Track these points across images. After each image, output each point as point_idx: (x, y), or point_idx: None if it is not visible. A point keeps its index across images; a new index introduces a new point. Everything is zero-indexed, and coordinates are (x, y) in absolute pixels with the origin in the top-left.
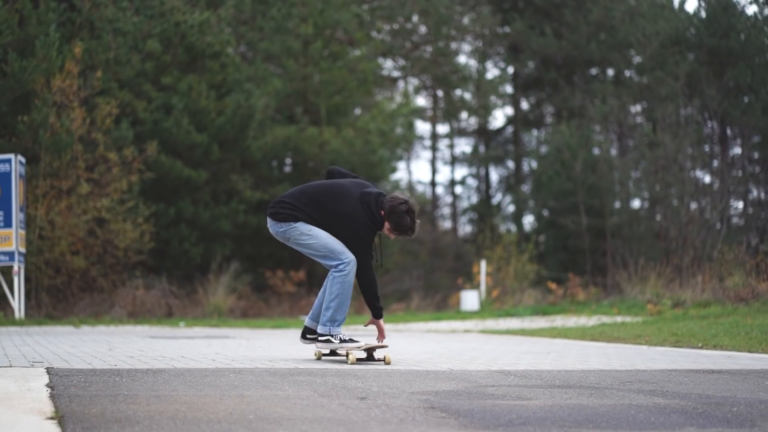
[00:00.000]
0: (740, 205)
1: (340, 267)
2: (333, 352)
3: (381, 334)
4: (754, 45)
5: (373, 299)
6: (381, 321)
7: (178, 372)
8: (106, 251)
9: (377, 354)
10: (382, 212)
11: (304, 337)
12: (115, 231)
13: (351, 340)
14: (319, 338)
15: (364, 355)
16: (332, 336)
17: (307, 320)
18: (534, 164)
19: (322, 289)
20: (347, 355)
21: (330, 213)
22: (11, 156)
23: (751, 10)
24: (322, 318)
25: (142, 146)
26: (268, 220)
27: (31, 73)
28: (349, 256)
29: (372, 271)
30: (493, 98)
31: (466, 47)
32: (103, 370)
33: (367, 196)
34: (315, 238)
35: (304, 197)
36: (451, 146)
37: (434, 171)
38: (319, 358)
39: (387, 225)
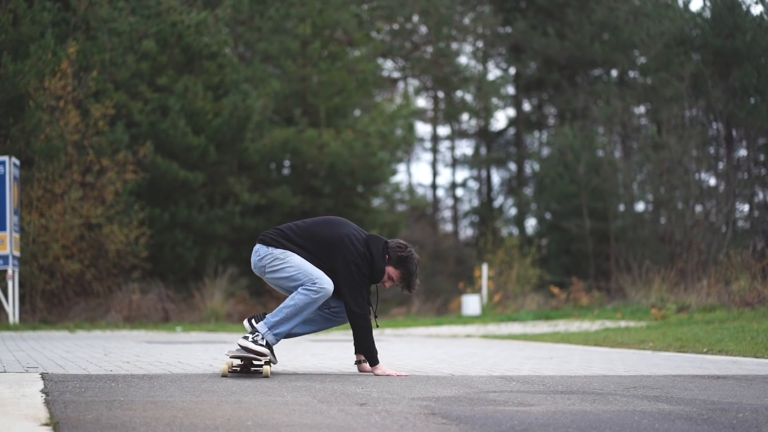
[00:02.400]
0: (746, 208)
1: (314, 286)
2: (246, 365)
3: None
4: (759, 45)
5: (369, 345)
6: (377, 368)
7: (174, 377)
8: (99, 255)
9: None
10: (386, 257)
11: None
12: (105, 234)
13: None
14: (248, 335)
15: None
16: (264, 342)
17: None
18: (536, 166)
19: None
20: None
21: (322, 239)
22: (5, 158)
23: (757, 9)
24: (268, 316)
25: (137, 148)
26: (256, 247)
27: (24, 76)
28: (327, 281)
29: (368, 317)
30: (494, 100)
31: (468, 48)
32: (99, 376)
33: (374, 238)
34: (289, 262)
35: (298, 225)
36: (452, 148)
37: (435, 173)
38: (224, 375)
39: (391, 274)
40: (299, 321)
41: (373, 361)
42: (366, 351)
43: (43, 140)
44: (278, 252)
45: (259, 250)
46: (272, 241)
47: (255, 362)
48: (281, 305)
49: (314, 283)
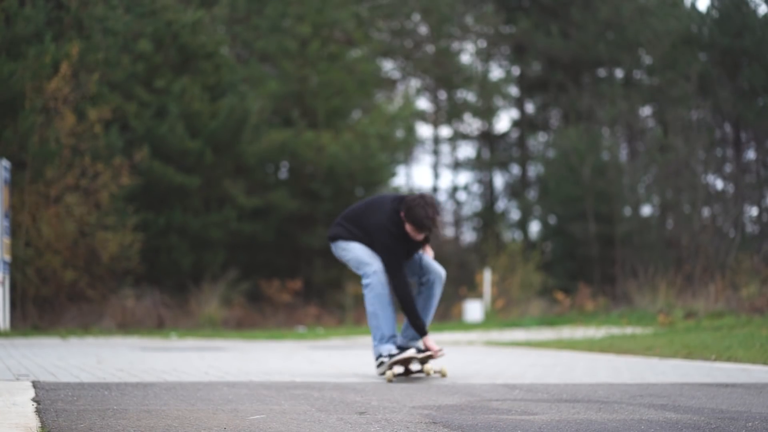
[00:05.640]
0: (755, 211)
1: (364, 281)
2: (407, 370)
3: (432, 351)
4: None
5: (411, 315)
6: (427, 338)
7: (169, 386)
8: (93, 261)
9: (426, 366)
10: (402, 214)
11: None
12: (99, 241)
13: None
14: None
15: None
16: (382, 356)
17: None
18: (540, 169)
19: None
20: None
21: (363, 227)
22: None
23: (764, 9)
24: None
25: (132, 151)
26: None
27: (19, 78)
28: (373, 267)
29: (404, 285)
30: (497, 100)
31: (470, 47)
32: (92, 384)
33: (395, 203)
34: (350, 251)
35: (348, 213)
36: (454, 150)
37: (436, 176)
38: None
39: (408, 226)
40: (387, 312)
41: (421, 332)
42: (410, 322)
43: (38, 143)
44: (342, 243)
45: (332, 244)
46: (333, 236)
47: (411, 367)
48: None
49: (364, 275)
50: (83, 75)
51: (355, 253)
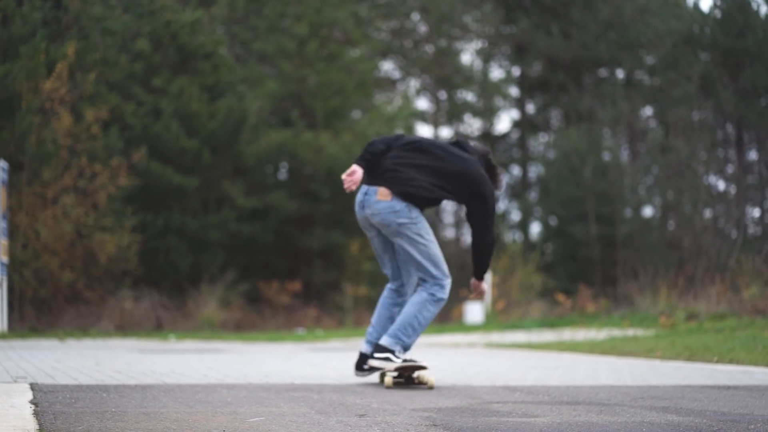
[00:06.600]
0: (757, 212)
1: (444, 285)
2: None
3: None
4: None
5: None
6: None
7: (168, 388)
8: (91, 262)
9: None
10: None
11: (359, 368)
12: (97, 243)
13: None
14: (376, 354)
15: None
16: (395, 353)
17: (364, 345)
18: (541, 170)
19: (382, 305)
20: (383, 377)
21: (449, 175)
22: None
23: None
24: (399, 334)
25: (130, 152)
26: (380, 189)
27: (15, 78)
28: (449, 282)
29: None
30: (497, 101)
31: (470, 47)
32: (90, 386)
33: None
34: (424, 237)
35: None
36: None
37: None
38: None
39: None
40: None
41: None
42: (485, 270)
43: (35, 144)
44: (425, 224)
45: (396, 206)
46: (410, 196)
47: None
48: (408, 321)
49: (442, 287)
50: (80, 75)
51: (435, 243)
